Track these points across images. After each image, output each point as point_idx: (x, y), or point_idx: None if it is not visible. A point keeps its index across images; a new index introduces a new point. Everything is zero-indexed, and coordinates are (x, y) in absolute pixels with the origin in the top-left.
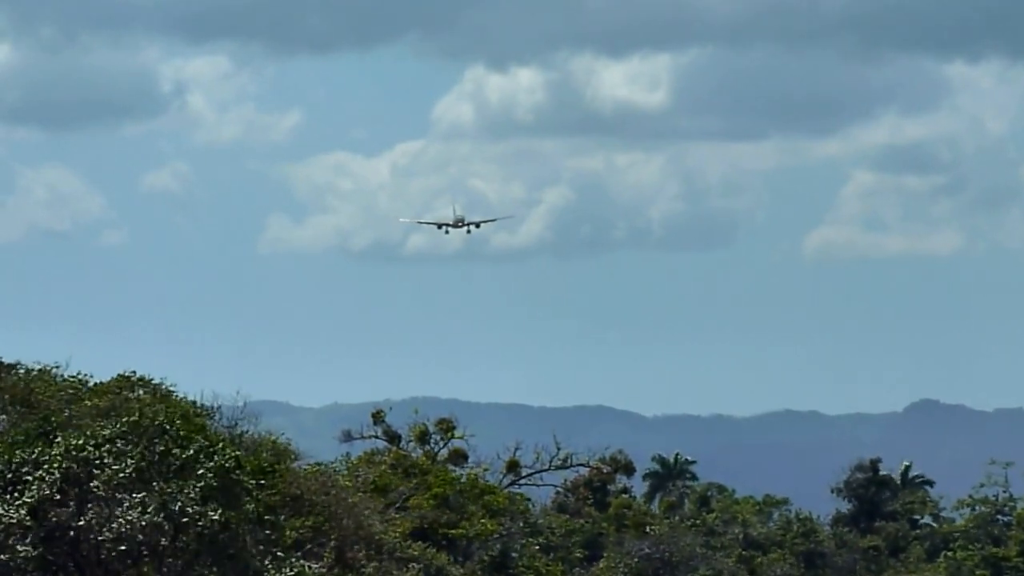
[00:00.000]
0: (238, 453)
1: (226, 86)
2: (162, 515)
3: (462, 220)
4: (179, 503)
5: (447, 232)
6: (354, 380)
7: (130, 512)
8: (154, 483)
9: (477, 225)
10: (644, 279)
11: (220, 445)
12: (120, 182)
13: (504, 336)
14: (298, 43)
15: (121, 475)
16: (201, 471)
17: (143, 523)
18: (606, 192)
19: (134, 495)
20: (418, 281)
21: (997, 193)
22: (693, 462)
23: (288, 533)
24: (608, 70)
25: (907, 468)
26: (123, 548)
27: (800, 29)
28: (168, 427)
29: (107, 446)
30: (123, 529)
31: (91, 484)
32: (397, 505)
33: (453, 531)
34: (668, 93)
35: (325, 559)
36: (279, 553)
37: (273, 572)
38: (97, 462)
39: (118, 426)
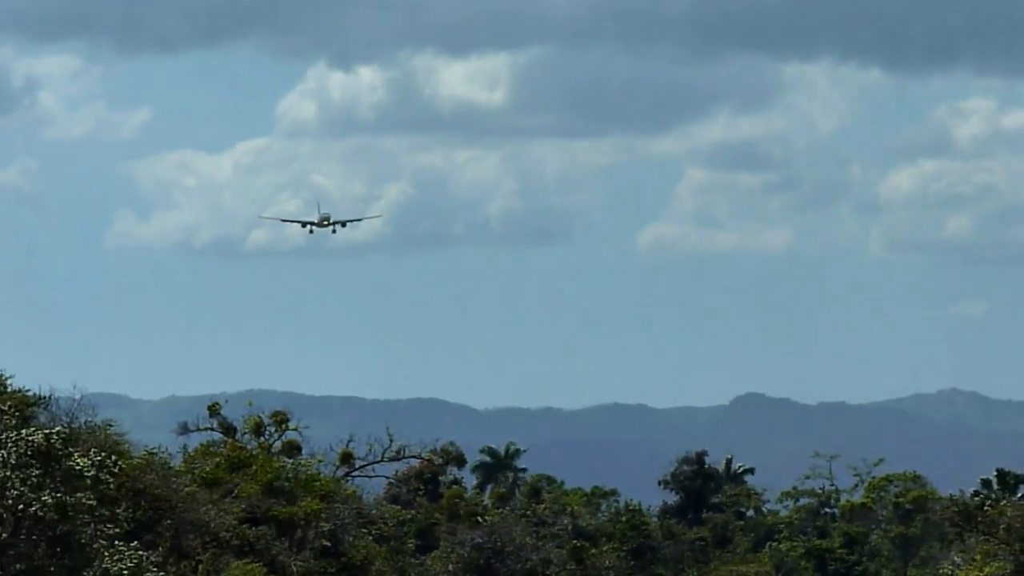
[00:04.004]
0: (66, 432)
1: (76, 84)
2: None
3: (327, 219)
4: (15, 491)
5: (311, 231)
6: (193, 373)
7: None
8: None
9: (343, 224)
10: (480, 274)
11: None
12: None
13: (341, 330)
14: (146, 42)
15: None
16: (28, 445)
17: None
18: (445, 188)
19: None
20: (258, 276)
21: (827, 191)
22: (524, 452)
23: (124, 522)
24: (448, 69)
25: (729, 461)
26: None
27: (638, 29)
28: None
29: None
30: None
31: None
32: (233, 495)
33: (283, 512)
34: (507, 91)
35: (160, 547)
36: (117, 543)
37: (111, 562)
38: None
39: None
